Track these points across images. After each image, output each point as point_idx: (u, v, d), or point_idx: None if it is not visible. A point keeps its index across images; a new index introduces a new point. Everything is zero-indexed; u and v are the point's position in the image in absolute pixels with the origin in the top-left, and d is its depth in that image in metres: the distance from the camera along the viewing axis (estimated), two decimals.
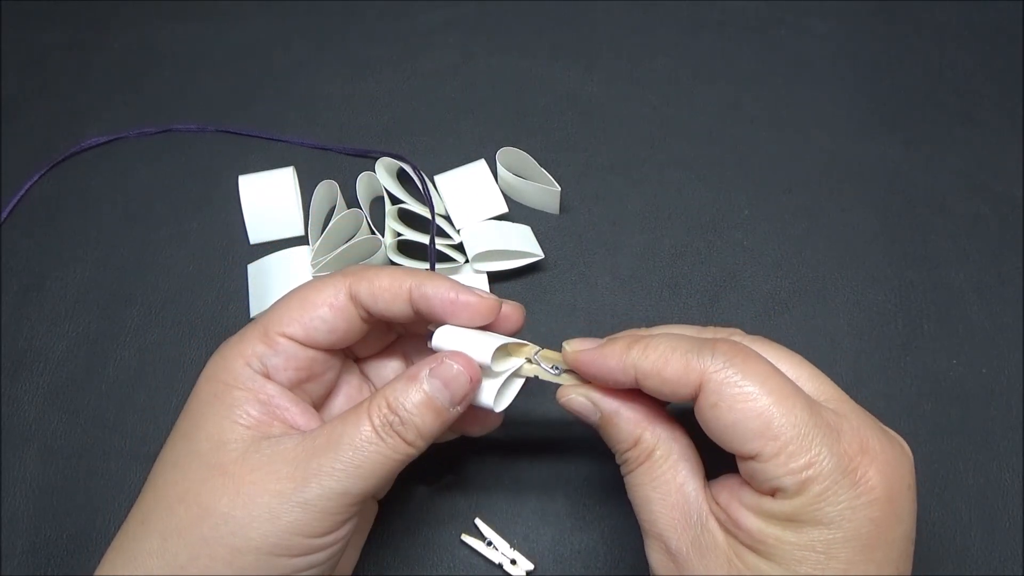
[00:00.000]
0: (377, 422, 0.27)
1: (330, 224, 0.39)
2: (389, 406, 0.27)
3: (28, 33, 0.48)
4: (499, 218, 0.41)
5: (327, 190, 0.40)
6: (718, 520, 0.27)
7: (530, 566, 0.35)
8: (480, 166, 0.42)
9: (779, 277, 0.41)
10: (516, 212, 0.42)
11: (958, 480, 0.36)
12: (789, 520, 0.25)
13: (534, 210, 0.42)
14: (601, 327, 0.40)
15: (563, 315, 0.40)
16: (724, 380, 0.26)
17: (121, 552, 0.26)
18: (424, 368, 0.28)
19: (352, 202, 0.41)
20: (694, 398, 0.27)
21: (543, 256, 0.40)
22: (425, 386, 0.28)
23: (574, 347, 0.29)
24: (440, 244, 0.39)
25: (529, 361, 0.31)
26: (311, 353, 0.29)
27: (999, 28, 0.48)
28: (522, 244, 0.40)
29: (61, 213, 0.43)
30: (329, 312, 0.29)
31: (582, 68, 0.46)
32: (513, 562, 0.35)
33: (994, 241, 0.42)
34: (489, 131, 0.44)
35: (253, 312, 0.40)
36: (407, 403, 0.27)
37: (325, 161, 0.43)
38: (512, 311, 0.31)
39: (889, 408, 0.38)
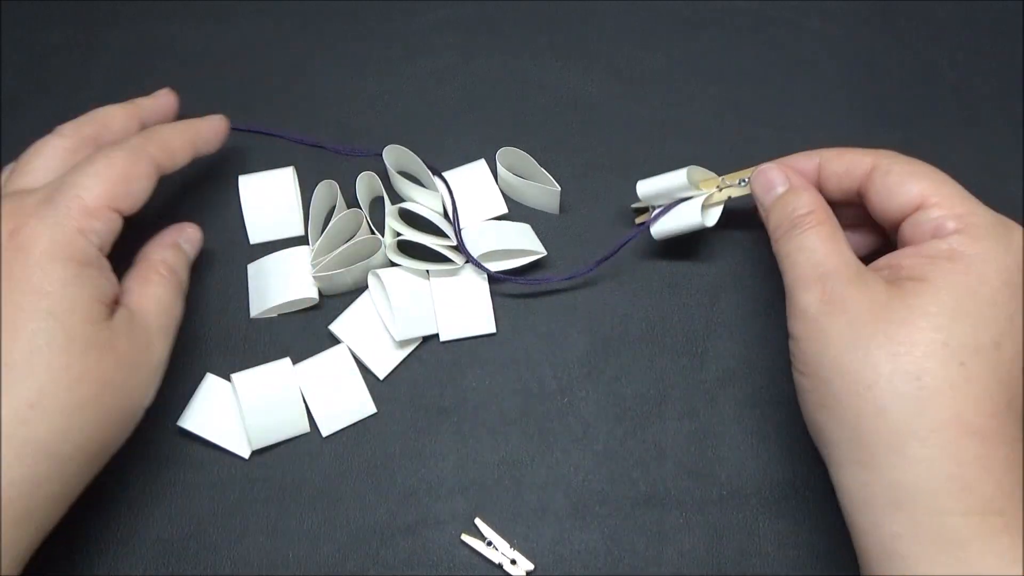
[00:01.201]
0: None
1: (330, 224, 0.39)
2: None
3: (28, 33, 0.48)
4: (499, 218, 0.41)
5: (327, 190, 0.40)
6: (876, 271, 0.31)
7: (530, 566, 0.35)
8: (480, 166, 0.42)
9: (779, 277, 0.41)
10: (516, 212, 0.42)
11: None
12: (951, 254, 0.29)
13: (534, 210, 0.42)
14: (601, 327, 0.40)
15: (563, 315, 0.40)
16: (895, 159, 0.32)
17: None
18: None
19: (352, 202, 0.41)
20: (863, 187, 0.33)
21: (545, 253, 0.40)
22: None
23: (763, 167, 0.36)
24: (439, 245, 0.39)
25: (719, 188, 0.38)
26: (120, 223, 0.33)
27: (999, 28, 0.48)
28: (523, 243, 0.40)
29: None
30: (147, 183, 0.34)
31: (582, 68, 0.46)
32: (513, 562, 0.35)
33: None
34: (489, 131, 0.44)
35: (253, 312, 0.40)
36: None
37: (325, 161, 0.43)
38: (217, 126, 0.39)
39: None
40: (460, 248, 0.39)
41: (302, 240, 0.41)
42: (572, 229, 0.42)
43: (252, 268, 0.41)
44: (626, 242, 0.39)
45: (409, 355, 0.39)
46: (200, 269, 0.41)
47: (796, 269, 0.32)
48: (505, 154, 0.41)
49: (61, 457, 0.30)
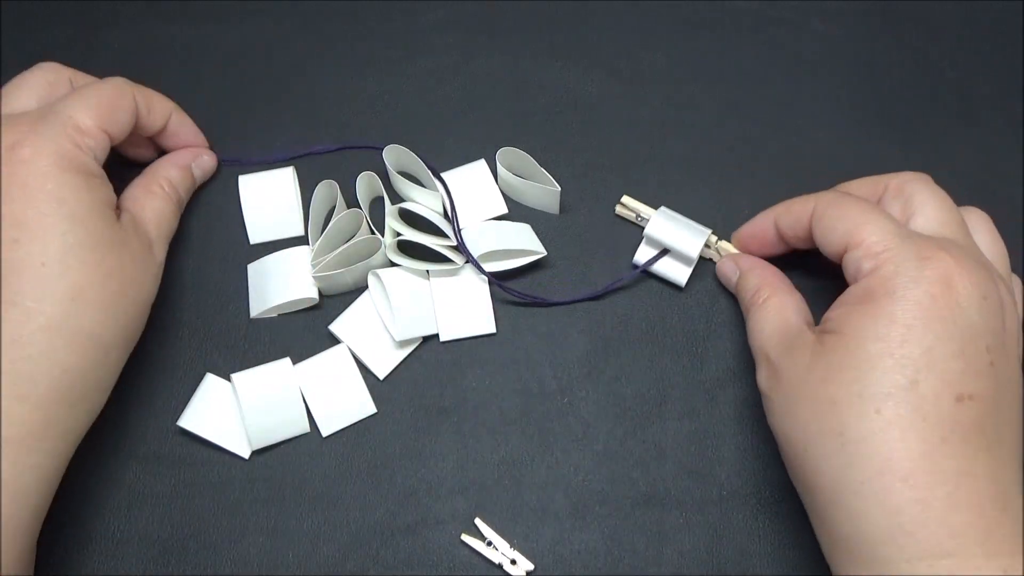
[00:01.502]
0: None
1: (330, 224, 0.39)
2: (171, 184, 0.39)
3: (28, 33, 0.48)
4: (499, 218, 0.41)
5: (327, 190, 0.40)
6: (811, 328, 0.33)
7: (530, 566, 0.35)
8: (480, 166, 0.42)
9: None
10: (516, 212, 0.42)
11: None
12: (864, 297, 0.30)
13: (534, 210, 0.42)
14: (601, 327, 0.40)
15: (563, 315, 0.40)
16: (830, 202, 0.33)
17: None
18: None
19: (352, 202, 0.41)
20: (811, 233, 0.34)
21: (545, 253, 0.40)
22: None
23: (738, 232, 0.39)
24: (439, 245, 0.39)
25: (708, 246, 0.40)
26: (109, 147, 0.35)
27: (999, 28, 0.48)
28: (523, 242, 0.40)
29: None
30: (130, 117, 0.37)
31: (582, 68, 0.46)
32: (513, 562, 0.35)
33: None
34: (489, 131, 0.44)
35: (253, 312, 0.40)
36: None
37: (325, 161, 0.43)
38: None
39: None
40: (461, 249, 0.39)
41: (302, 240, 0.41)
42: (572, 229, 0.42)
43: (252, 268, 0.41)
44: (616, 286, 0.40)
45: (409, 355, 0.39)
46: (200, 269, 0.41)
47: (753, 349, 0.35)
48: (505, 154, 0.41)
49: (105, 345, 0.33)
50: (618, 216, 0.42)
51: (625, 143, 0.44)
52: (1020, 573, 0.26)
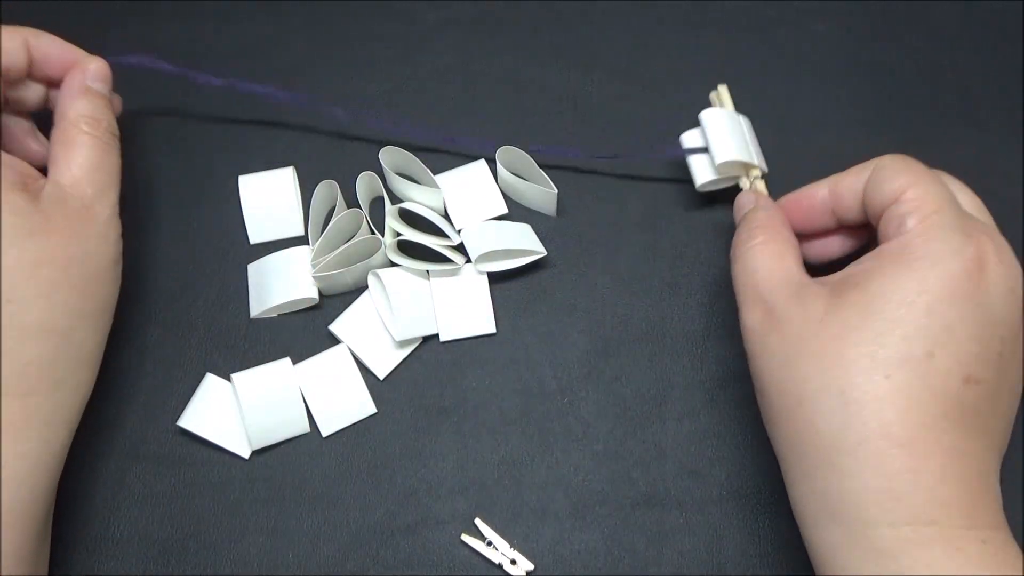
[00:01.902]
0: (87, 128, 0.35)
1: (330, 224, 0.39)
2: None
3: None
4: (499, 218, 0.41)
5: (327, 190, 0.40)
6: (816, 281, 0.31)
7: (530, 566, 0.35)
8: (480, 166, 0.42)
9: None
10: (515, 213, 0.42)
11: None
12: (899, 256, 0.29)
13: (533, 210, 0.42)
14: (601, 327, 0.40)
15: (563, 315, 0.40)
16: (894, 158, 0.32)
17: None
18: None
19: (352, 202, 0.41)
20: (865, 189, 0.32)
21: (545, 253, 0.40)
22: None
23: (785, 197, 0.37)
24: (439, 245, 0.39)
25: (746, 177, 0.39)
26: None
27: (999, 28, 0.48)
28: (523, 242, 0.40)
29: None
30: (24, 52, 0.35)
31: (582, 68, 0.46)
32: (513, 562, 0.35)
33: None
34: (489, 131, 0.44)
35: (253, 312, 0.40)
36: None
37: (325, 161, 0.43)
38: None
39: None
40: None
41: (302, 240, 0.41)
42: (572, 229, 0.42)
43: (252, 268, 0.41)
44: (650, 156, 0.42)
45: (409, 355, 0.39)
46: (200, 269, 0.41)
47: (742, 289, 0.33)
48: (505, 153, 0.41)
49: (62, 330, 0.32)
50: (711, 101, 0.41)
51: (625, 143, 0.44)
52: (999, 543, 0.26)
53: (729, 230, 0.42)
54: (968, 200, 0.32)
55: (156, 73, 0.47)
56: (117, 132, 0.37)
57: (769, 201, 0.36)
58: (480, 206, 0.41)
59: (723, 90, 0.41)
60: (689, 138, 0.40)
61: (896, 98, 0.46)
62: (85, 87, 0.36)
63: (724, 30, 0.48)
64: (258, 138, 0.44)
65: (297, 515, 0.36)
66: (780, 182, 0.43)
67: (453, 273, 0.40)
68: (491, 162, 0.42)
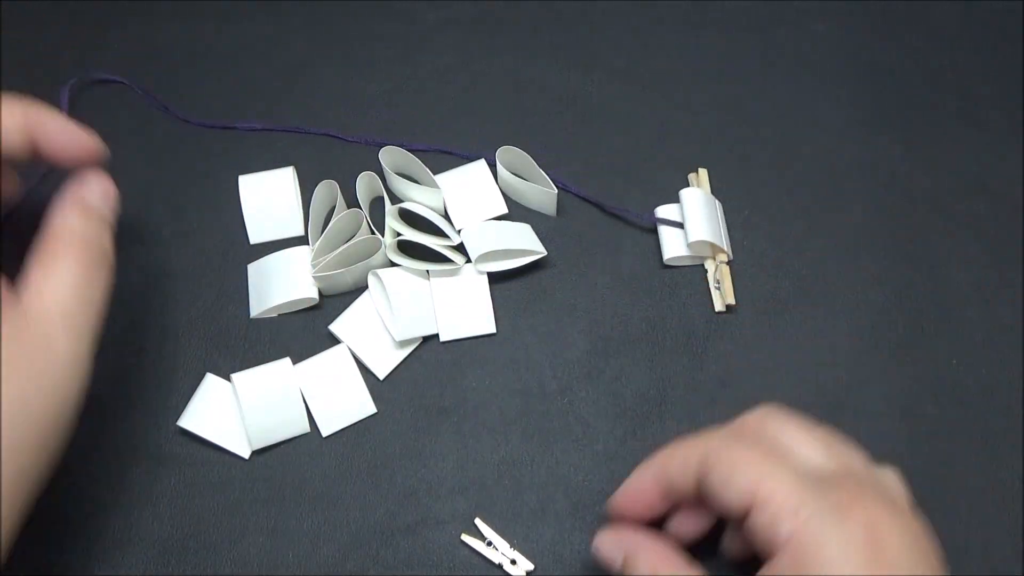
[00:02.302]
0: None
1: (330, 224, 0.39)
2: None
3: (27, 33, 0.48)
4: (499, 218, 0.41)
5: (327, 190, 0.40)
6: None
7: (530, 566, 0.35)
8: (480, 166, 0.42)
9: (779, 277, 0.41)
10: (515, 212, 0.42)
11: (958, 480, 0.36)
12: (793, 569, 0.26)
13: (533, 210, 0.42)
14: (601, 327, 0.40)
15: (563, 315, 0.40)
16: (715, 452, 0.29)
17: None
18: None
19: (352, 202, 0.41)
20: (700, 482, 0.29)
21: (545, 253, 0.40)
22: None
23: (614, 498, 0.33)
24: (439, 245, 0.39)
25: (713, 259, 0.40)
26: None
27: (999, 28, 0.48)
28: (523, 243, 0.40)
29: None
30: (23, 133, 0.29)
31: (582, 68, 0.46)
32: (513, 562, 0.35)
33: (994, 241, 0.42)
34: (489, 131, 0.44)
35: (253, 312, 0.40)
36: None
37: (325, 161, 0.43)
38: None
39: (889, 408, 0.38)
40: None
41: (302, 240, 0.41)
42: (572, 229, 0.42)
43: (252, 268, 0.41)
44: (628, 217, 0.41)
45: (409, 355, 0.39)
46: (200, 269, 0.41)
47: None
48: (505, 152, 0.41)
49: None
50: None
51: (625, 143, 0.44)
52: None
53: (729, 231, 0.42)
54: (814, 448, 0.30)
55: (156, 73, 0.47)
56: (111, 256, 0.30)
57: (634, 539, 0.31)
58: (480, 206, 0.41)
59: (703, 173, 0.42)
60: (664, 211, 0.41)
61: (896, 98, 0.46)
62: (82, 202, 0.30)
63: (724, 30, 0.48)
64: (258, 138, 0.44)
65: (297, 515, 0.36)
66: (781, 182, 0.43)
67: (453, 273, 0.40)
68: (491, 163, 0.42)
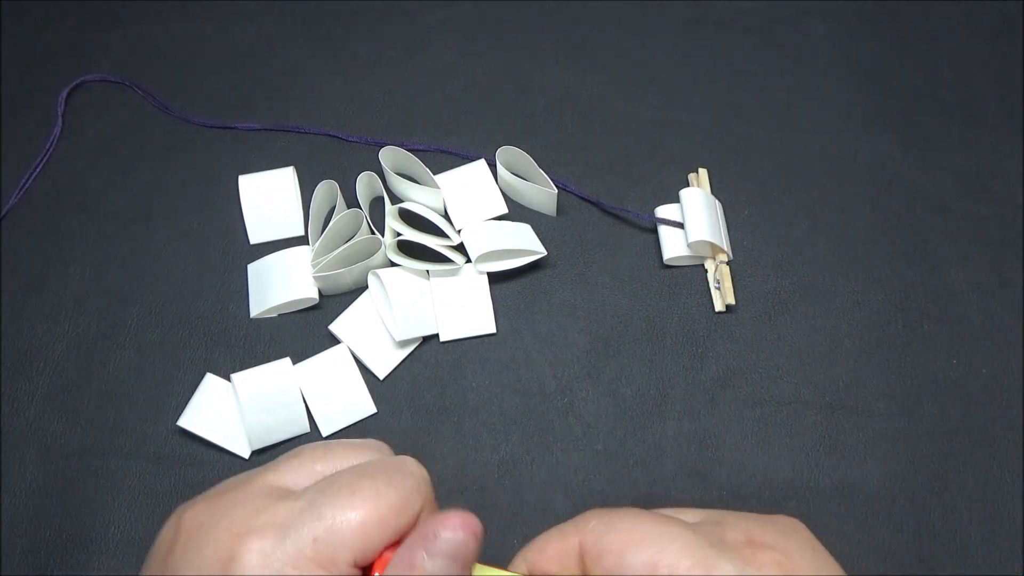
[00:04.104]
0: None
1: (330, 224, 0.39)
2: None
3: (27, 33, 0.48)
4: (499, 218, 0.41)
5: (327, 190, 0.40)
6: None
7: None
8: (480, 166, 0.42)
9: (779, 277, 0.41)
10: (515, 212, 0.42)
11: (958, 480, 0.36)
12: None
13: (533, 210, 0.42)
14: (601, 327, 0.40)
15: (563, 315, 0.40)
16: (598, 534, 0.26)
17: None
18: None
19: (352, 202, 0.41)
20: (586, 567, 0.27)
21: (545, 253, 0.40)
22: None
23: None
24: (439, 245, 0.39)
25: (712, 259, 0.40)
26: None
27: (999, 28, 0.48)
28: (523, 243, 0.40)
29: (61, 212, 0.43)
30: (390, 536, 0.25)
31: (582, 68, 0.46)
32: None
33: (994, 241, 0.42)
34: (489, 131, 0.44)
35: (253, 312, 0.40)
36: None
37: (325, 161, 0.43)
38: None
39: (889, 408, 0.38)
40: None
41: (302, 240, 0.41)
42: (572, 229, 0.42)
43: (252, 268, 0.41)
44: (630, 217, 0.40)
45: (409, 355, 0.39)
46: (200, 269, 0.41)
47: None
48: (505, 152, 0.41)
49: None
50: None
51: (625, 143, 0.44)
52: None
53: (729, 231, 0.42)
54: (685, 513, 0.29)
55: (156, 74, 0.47)
56: None
57: None
58: (480, 206, 0.41)
59: (703, 173, 0.42)
60: (664, 211, 0.41)
61: (896, 98, 0.46)
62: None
63: (724, 30, 0.48)
64: (258, 138, 0.44)
65: None
66: (780, 182, 0.43)
67: (453, 273, 0.40)
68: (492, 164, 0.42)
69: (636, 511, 0.27)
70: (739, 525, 0.27)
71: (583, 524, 0.27)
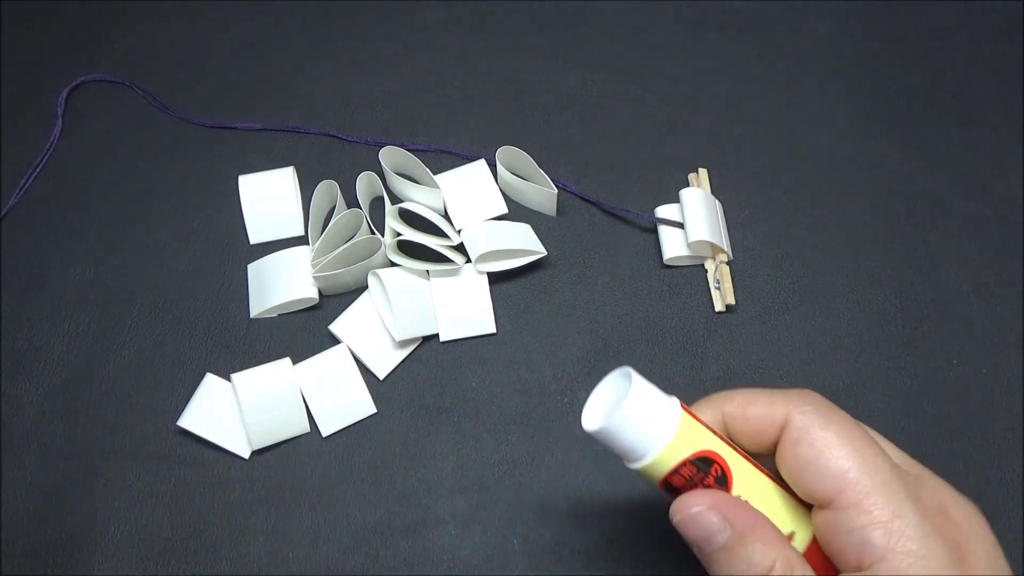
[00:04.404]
0: None
1: (330, 224, 0.39)
2: None
3: (27, 33, 0.48)
4: (499, 218, 0.41)
5: (327, 190, 0.40)
6: None
7: None
8: (480, 166, 0.42)
9: (779, 277, 0.41)
10: (515, 213, 0.42)
11: (958, 480, 0.36)
12: None
13: (533, 210, 0.42)
14: (601, 327, 0.40)
15: (563, 315, 0.40)
16: (809, 421, 0.25)
17: None
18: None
19: (352, 202, 0.41)
20: (775, 444, 0.26)
21: (545, 253, 0.40)
22: None
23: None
24: (439, 245, 0.39)
25: (712, 259, 0.38)
26: None
27: (999, 28, 0.48)
28: (523, 243, 0.40)
29: (61, 212, 0.43)
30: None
31: (582, 68, 0.46)
32: None
33: (994, 241, 0.42)
34: (489, 131, 0.44)
35: (253, 312, 0.40)
36: None
37: (325, 161, 0.43)
38: None
39: (889, 408, 0.38)
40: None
41: (302, 240, 0.41)
42: (572, 229, 0.42)
43: (252, 268, 0.41)
44: (629, 217, 0.40)
45: (409, 355, 0.39)
46: (200, 269, 0.41)
47: None
48: (504, 152, 0.41)
49: None
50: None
51: (625, 143, 0.44)
52: None
53: (728, 228, 0.42)
54: (886, 442, 0.28)
55: (156, 73, 0.47)
56: None
57: (749, 516, 0.26)
58: (480, 206, 0.41)
59: (703, 173, 0.42)
60: (664, 211, 0.41)
61: (896, 98, 0.46)
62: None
63: (724, 30, 0.48)
64: (258, 138, 0.44)
65: (297, 515, 0.36)
66: (780, 182, 0.43)
67: (453, 273, 0.40)
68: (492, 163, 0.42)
69: (853, 421, 0.26)
70: (936, 487, 0.26)
71: (799, 402, 0.26)
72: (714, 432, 0.26)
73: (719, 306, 0.40)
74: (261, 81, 0.46)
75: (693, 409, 0.27)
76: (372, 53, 0.47)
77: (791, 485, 0.26)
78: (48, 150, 0.44)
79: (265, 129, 0.45)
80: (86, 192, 0.43)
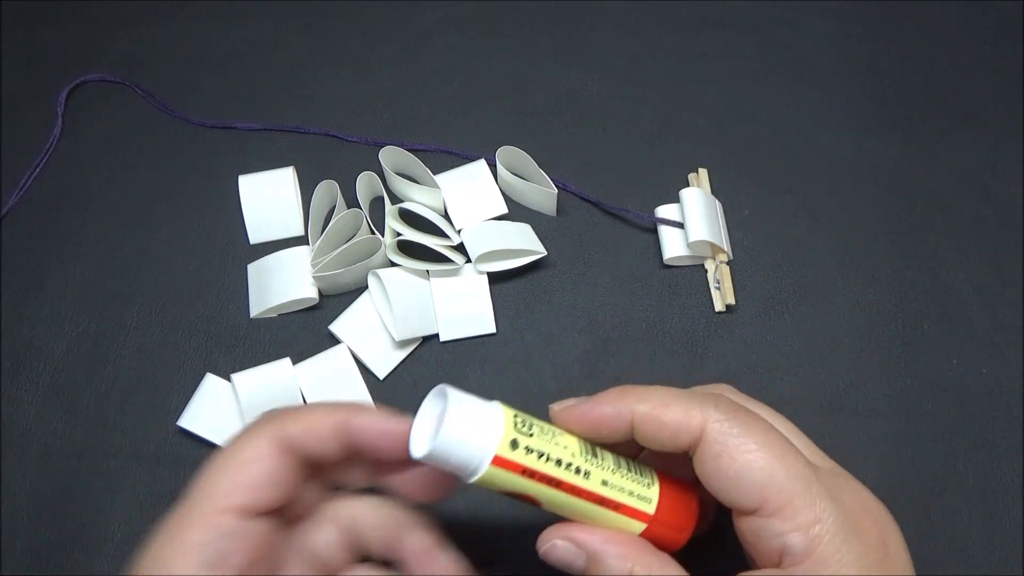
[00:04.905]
0: None
1: (330, 224, 0.39)
2: None
3: (27, 33, 0.48)
4: (499, 218, 0.41)
5: (327, 190, 0.40)
6: None
7: None
8: (480, 166, 0.42)
9: (779, 277, 0.41)
10: (515, 213, 0.42)
11: (958, 480, 0.36)
12: None
13: (533, 210, 0.42)
14: (601, 327, 0.40)
15: (563, 315, 0.40)
16: (727, 431, 0.25)
17: None
18: None
19: (352, 202, 0.41)
20: (690, 448, 0.26)
21: (545, 253, 0.40)
22: None
23: (562, 406, 0.28)
24: (439, 245, 0.39)
25: (712, 259, 0.38)
26: (257, 527, 0.26)
27: (999, 28, 0.48)
28: (523, 242, 0.40)
29: (61, 212, 0.43)
30: (265, 464, 0.27)
31: (582, 68, 0.46)
32: None
33: (994, 241, 0.42)
34: (489, 131, 0.44)
35: (253, 312, 0.40)
36: None
37: (325, 161, 0.43)
38: None
39: (889, 408, 0.38)
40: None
41: (302, 240, 0.41)
42: (572, 229, 0.42)
43: (252, 268, 0.41)
44: (628, 216, 0.39)
45: (409, 355, 0.39)
46: (200, 269, 0.41)
47: None
48: (504, 152, 0.41)
49: None
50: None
51: (625, 143, 0.44)
52: None
53: (728, 228, 0.42)
54: (800, 440, 0.28)
55: (156, 74, 0.47)
56: None
57: (600, 537, 0.27)
58: (480, 206, 0.41)
59: (703, 173, 0.42)
60: (664, 211, 0.41)
61: (896, 98, 0.46)
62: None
63: (724, 30, 0.48)
64: (258, 138, 0.44)
65: None
66: (780, 182, 0.43)
67: (453, 273, 0.40)
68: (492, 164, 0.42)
69: (768, 424, 0.26)
70: (857, 488, 0.26)
71: (714, 412, 0.26)
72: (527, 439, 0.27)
73: (719, 306, 0.40)
74: (261, 81, 0.46)
75: (598, 399, 0.27)
76: (372, 53, 0.47)
77: (712, 493, 0.26)
78: (48, 150, 0.44)
79: (265, 129, 0.45)
80: (86, 192, 0.43)
